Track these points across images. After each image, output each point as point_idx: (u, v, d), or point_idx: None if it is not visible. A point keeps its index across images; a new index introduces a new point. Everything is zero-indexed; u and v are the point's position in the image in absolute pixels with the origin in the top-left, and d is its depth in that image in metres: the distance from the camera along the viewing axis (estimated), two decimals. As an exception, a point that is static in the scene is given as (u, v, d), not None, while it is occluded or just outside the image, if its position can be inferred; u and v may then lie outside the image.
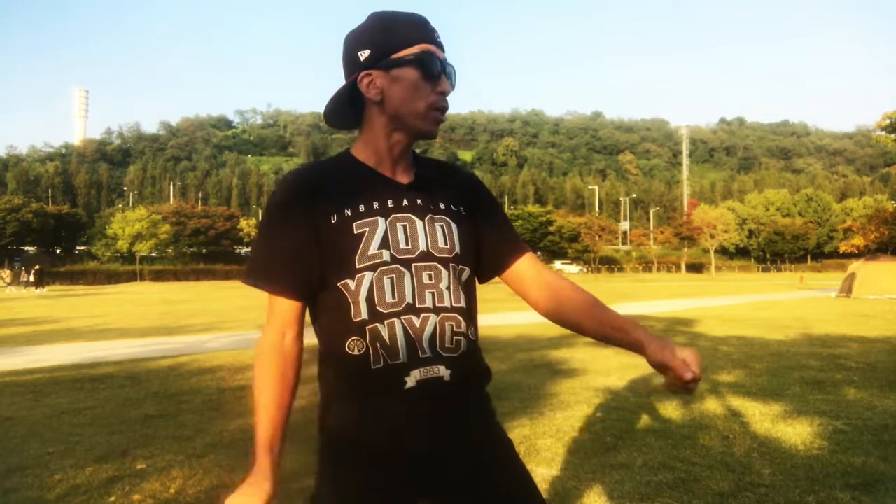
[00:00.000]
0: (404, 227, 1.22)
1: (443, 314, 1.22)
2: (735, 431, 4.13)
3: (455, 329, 1.23)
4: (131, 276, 55.82)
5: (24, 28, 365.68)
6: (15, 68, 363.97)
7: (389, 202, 1.23)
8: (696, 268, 73.49)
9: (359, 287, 1.19)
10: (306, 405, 5.27)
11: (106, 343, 9.72)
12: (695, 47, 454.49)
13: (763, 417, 4.48)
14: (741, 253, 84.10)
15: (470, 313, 1.28)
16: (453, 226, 1.27)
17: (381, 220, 1.21)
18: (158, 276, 57.05)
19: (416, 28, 1.24)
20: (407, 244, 1.21)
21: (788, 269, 74.57)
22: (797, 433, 4.07)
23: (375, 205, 1.22)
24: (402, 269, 1.20)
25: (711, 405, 4.87)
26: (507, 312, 14.80)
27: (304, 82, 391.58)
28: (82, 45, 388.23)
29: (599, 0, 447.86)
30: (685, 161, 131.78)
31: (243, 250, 77.50)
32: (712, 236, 68.33)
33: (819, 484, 3.15)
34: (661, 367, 1.17)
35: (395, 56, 1.21)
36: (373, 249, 1.19)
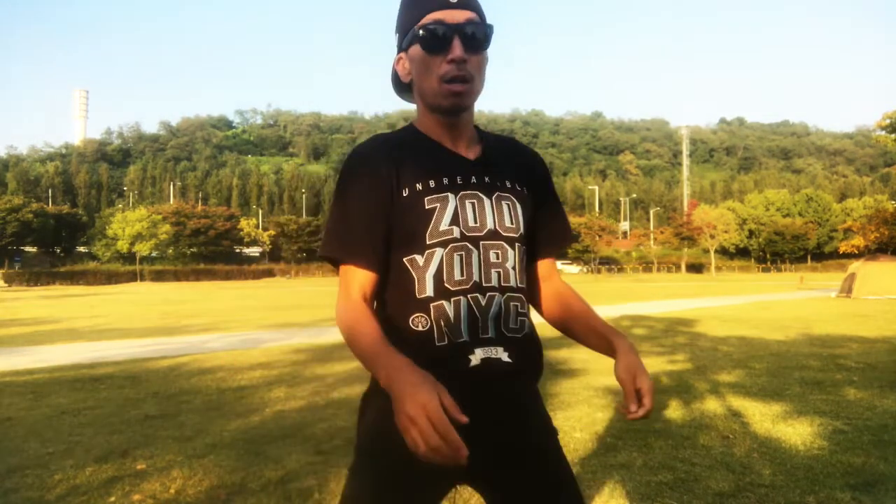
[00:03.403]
0: (473, 204, 1.21)
1: (508, 294, 1.21)
2: (735, 431, 4.13)
3: (519, 310, 1.23)
4: (131, 277, 55.84)
5: (24, 28, 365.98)
6: (15, 68, 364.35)
7: (458, 178, 1.22)
8: (696, 268, 73.44)
9: (428, 263, 1.18)
10: (305, 405, 5.31)
11: (106, 343, 9.71)
12: (695, 47, 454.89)
13: (763, 417, 4.48)
14: (741, 253, 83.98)
15: (531, 294, 1.29)
16: (518, 205, 1.26)
17: (451, 196, 1.20)
18: (158, 277, 57.06)
19: None
20: (475, 222, 1.20)
21: (788, 270, 74.47)
22: (797, 433, 4.07)
23: (445, 181, 1.20)
24: (470, 246, 1.19)
25: (711, 405, 4.87)
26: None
27: (304, 82, 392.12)
28: (82, 45, 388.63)
29: (599, 0, 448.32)
30: (685, 161, 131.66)
31: (243, 250, 77.55)
32: (712, 236, 68.28)
33: (819, 484, 3.15)
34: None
35: (409, 35, 1.21)
36: (444, 225, 1.18)
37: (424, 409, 0.93)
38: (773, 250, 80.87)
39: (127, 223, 59.80)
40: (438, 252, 1.18)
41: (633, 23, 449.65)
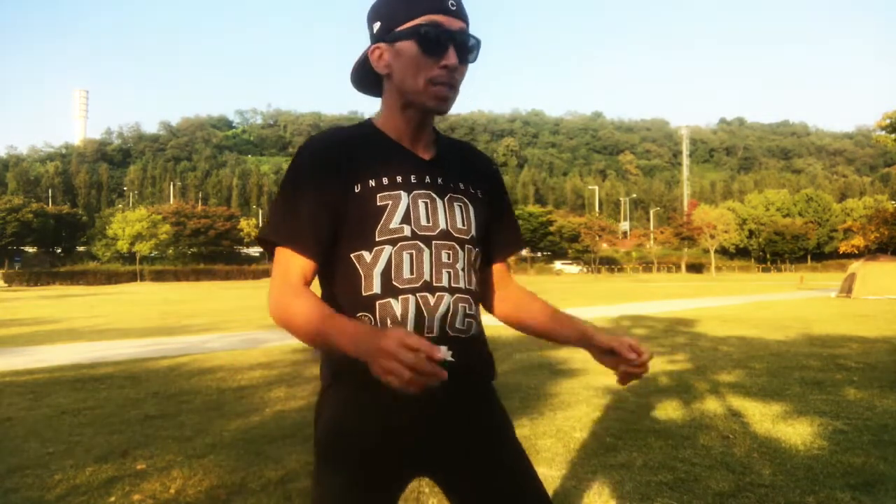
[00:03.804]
0: (426, 203, 1.21)
1: (457, 294, 1.21)
2: (735, 431, 4.13)
3: (467, 311, 1.23)
4: (131, 277, 55.81)
5: (24, 28, 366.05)
6: (15, 68, 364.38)
7: (412, 177, 1.22)
8: (696, 268, 73.44)
9: (375, 260, 1.17)
10: (305, 405, 5.31)
11: (106, 343, 9.71)
12: (695, 47, 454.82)
13: (763, 417, 4.48)
14: (741, 253, 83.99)
15: (478, 297, 1.29)
16: (470, 207, 1.27)
17: (403, 194, 1.19)
18: (158, 277, 57.02)
19: None
20: (427, 221, 1.20)
21: (788, 270, 74.47)
22: (797, 433, 4.07)
23: (398, 178, 1.21)
24: (421, 245, 1.19)
25: (711, 405, 4.87)
26: (507, 312, 14.76)
27: (304, 82, 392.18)
28: (82, 45, 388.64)
29: (599, 0, 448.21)
30: (685, 161, 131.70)
31: (243, 250, 77.57)
32: (712, 236, 68.28)
33: (819, 484, 3.15)
34: (608, 353, 1.26)
35: (399, 28, 1.19)
36: (395, 223, 1.18)
37: (396, 336, 0.94)
38: (773, 250, 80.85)
39: (127, 223, 59.76)
40: (387, 249, 1.17)
41: (634, 23, 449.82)
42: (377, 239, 1.17)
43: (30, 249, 72.80)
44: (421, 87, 1.19)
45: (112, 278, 54.20)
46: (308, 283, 1.18)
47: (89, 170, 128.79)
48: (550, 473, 3.36)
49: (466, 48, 1.21)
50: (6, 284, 47.93)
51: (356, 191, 1.19)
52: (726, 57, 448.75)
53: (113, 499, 3.09)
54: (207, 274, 59.09)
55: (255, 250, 78.00)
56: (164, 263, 64.97)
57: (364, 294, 1.17)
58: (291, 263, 1.17)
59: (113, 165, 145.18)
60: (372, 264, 1.17)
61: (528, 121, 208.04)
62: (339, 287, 1.20)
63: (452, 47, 1.18)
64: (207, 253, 70.54)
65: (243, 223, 74.92)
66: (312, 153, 1.21)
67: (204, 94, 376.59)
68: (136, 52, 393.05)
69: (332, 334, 1.07)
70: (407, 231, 1.18)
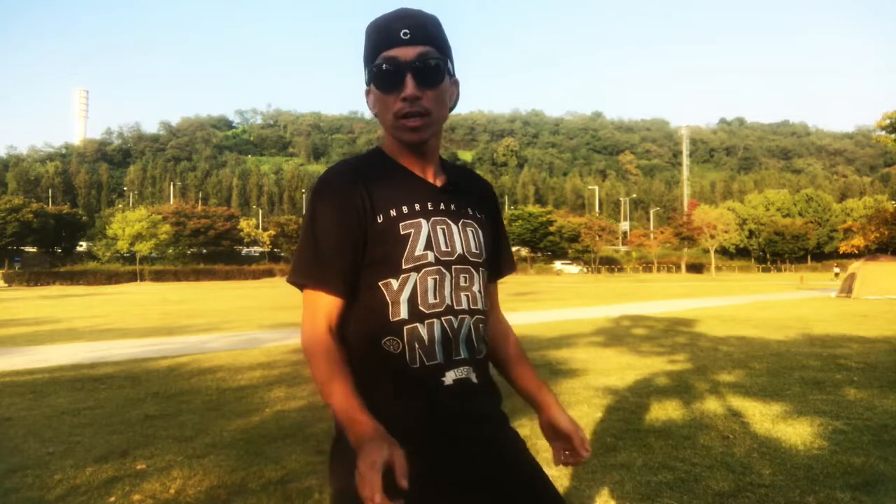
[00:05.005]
0: (443, 229, 1.24)
1: (476, 316, 1.26)
2: (735, 431, 4.13)
3: (482, 331, 1.28)
4: (131, 277, 55.77)
5: (24, 28, 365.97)
6: (15, 68, 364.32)
7: (429, 204, 1.25)
8: (696, 268, 73.42)
9: (402, 287, 1.20)
10: (305, 405, 5.30)
11: (106, 343, 9.71)
12: (695, 47, 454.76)
13: (763, 417, 4.48)
14: (741, 253, 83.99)
15: (487, 317, 1.34)
16: (479, 231, 1.32)
17: (423, 221, 1.23)
18: (158, 277, 56.98)
19: (378, 35, 1.22)
20: (446, 246, 1.24)
21: (788, 270, 74.46)
22: (797, 433, 4.07)
23: (417, 206, 1.24)
24: (443, 270, 1.23)
25: (711, 405, 4.87)
26: (506, 313, 14.76)
27: (304, 82, 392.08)
28: (82, 45, 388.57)
29: (599, 0, 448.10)
30: (685, 161, 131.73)
31: (243, 250, 77.55)
32: (712, 236, 68.25)
33: (819, 484, 3.15)
34: (556, 431, 1.37)
35: (367, 72, 1.25)
36: (419, 250, 1.21)
37: (372, 459, 0.99)
38: (773, 250, 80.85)
39: (127, 223, 59.63)
40: (413, 276, 1.20)
41: (634, 22, 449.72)
42: (404, 266, 1.20)
43: (30, 249, 72.73)
44: (391, 123, 1.22)
45: (112, 278, 54.13)
46: (334, 323, 1.20)
47: (89, 170, 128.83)
48: (550, 473, 3.34)
49: (428, 73, 1.20)
50: (6, 284, 47.88)
51: (379, 221, 1.21)
52: (726, 57, 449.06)
53: (113, 499, 3.09)
54: (207, 274, 59.02)
55: (255, 250, 78.01)
56: (164, 263, 64.87)
57: (392, 320, 1.19)
58: (319, 304, 1.20)
59: (113, 165, 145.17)
60: (399, 291, 1.20)
61: (528, 121, 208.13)
62: (367, 313, 1.22)
63: (410, 76, 1.18)
64: (207, 253, 70.47)
65: (243, 223, 74.83)
66: (329, 190, 1.22)
67: (204, 94, 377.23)
68: (136, 52, 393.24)
69: (341, 417, 1.10)
70: (430, 257, 1.22)
